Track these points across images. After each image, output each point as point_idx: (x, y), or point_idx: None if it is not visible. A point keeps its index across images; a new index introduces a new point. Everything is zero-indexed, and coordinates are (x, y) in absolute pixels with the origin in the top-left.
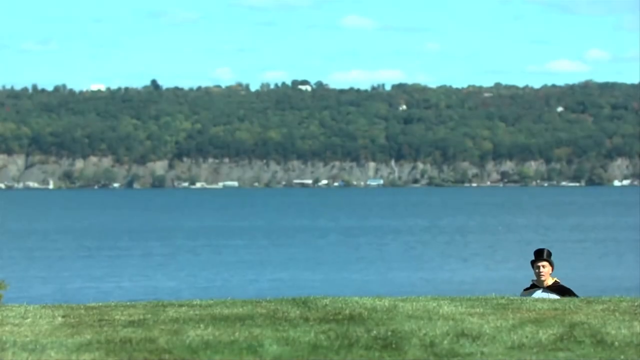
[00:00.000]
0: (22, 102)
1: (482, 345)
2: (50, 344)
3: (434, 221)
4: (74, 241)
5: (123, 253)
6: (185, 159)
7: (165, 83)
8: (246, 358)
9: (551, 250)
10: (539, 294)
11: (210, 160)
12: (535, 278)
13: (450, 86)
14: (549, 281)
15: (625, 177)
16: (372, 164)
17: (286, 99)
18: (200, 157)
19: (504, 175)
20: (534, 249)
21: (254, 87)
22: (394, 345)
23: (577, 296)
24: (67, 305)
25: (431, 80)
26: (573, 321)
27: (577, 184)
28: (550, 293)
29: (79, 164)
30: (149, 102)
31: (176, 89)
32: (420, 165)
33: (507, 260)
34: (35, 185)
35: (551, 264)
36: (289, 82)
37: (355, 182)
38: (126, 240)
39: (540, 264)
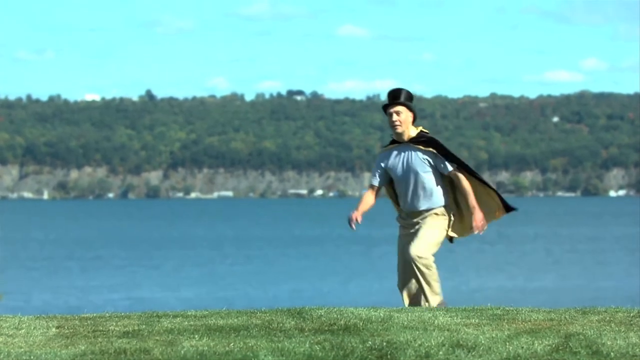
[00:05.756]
0: (16, 112)
1: (477, 356)
2: (44, 355)
3: None
4: (77, 251)
5: (131, 263)
6: (179, 169)
7: (160, 93)
8: None
9: (411, 93)
10: (399, 150)
11: (205, 170)
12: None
13: (446, 96)
14: (412, 132)
15: (621, 188)
16: (367, 174)
17: (281, 109)
18: (195, 167)
19: (499, 185)
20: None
21: (249, 97)
22: (389, 356)
23: (447, 154)
24: (62, 315)
25: (426, 90)
26: (568, 332)
27: (573, 194)
28: (415, 150)
29: (74, 174)
30: (144, 112)
31: (171, 99)
32: None
33: (502, 271)
34: (30, 195)
35: (411, 109)
36: (284, 92)
37: (350, 193)
38: (131, 250)
39: (393, 110)
